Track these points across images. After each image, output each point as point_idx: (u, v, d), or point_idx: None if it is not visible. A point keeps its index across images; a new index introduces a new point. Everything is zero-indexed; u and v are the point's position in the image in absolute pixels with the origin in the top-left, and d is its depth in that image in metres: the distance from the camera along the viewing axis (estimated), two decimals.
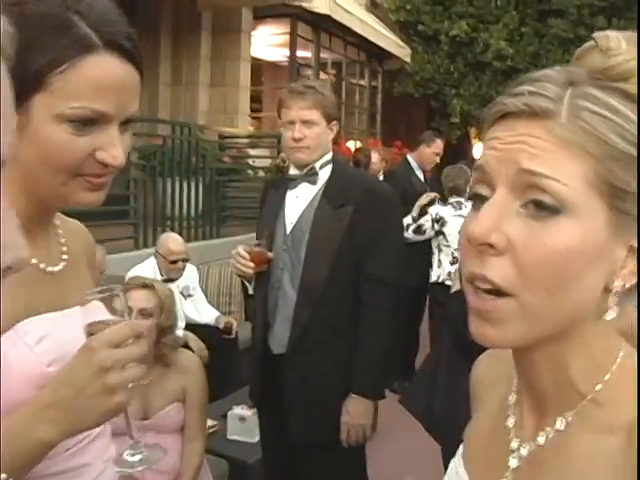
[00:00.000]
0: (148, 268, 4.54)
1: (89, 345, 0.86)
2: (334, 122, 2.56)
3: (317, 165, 2.53)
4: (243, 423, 3.26)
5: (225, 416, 3.37)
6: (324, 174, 2.55)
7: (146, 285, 2.59)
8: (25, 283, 0.94)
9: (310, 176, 2.53)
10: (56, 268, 1.02)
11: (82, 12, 0.88)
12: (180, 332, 4.47)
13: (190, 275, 4.82)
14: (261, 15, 9.91)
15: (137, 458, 0.98)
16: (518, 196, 0.64)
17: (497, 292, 0.64)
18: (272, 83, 12.03)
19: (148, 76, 7.72)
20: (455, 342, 2.71)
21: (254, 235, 2.80)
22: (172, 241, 4.60)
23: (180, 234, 6.32)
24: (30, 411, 0.86)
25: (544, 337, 0.65)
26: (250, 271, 2.54)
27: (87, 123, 0.89)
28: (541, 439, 0.70)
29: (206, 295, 5.31)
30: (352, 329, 2.45)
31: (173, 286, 4.58)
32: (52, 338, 0.92)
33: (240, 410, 3.28)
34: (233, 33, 9.20)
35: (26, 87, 0.87)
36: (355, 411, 2.43)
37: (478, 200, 0.67)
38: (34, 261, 0.97)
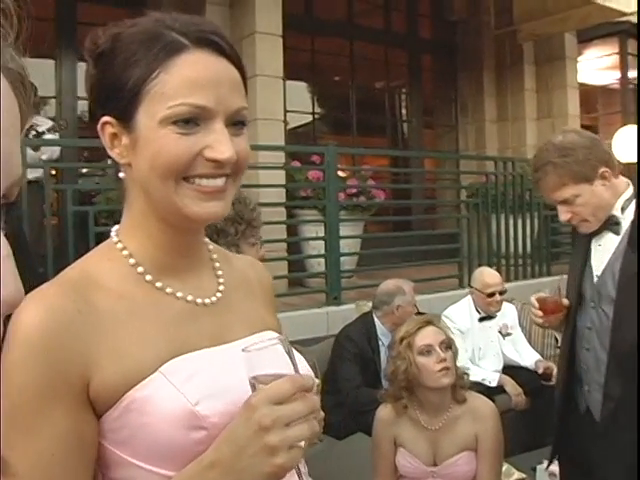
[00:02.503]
0: (464, 306, 4.49)
1: (249, 402, 0.81)
2: (600, 170, 2.13)
3: (617, 213, 2.17)
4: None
5: (535, 469, 3.11)
6: (628, 215, 2.15)
7: (431, 321, 2.58)
8: (175, 318, 0.94)
9: (612, 225, 2.18)
10: (211, 299, 0.99)
11: (168, 24, 0.89)
12: (496, 375, 4.31)
13: (509, 313, 4.63)
14: (586, 38, 9.35)
15: None
16: None
17: None
18: (605, 109, 11.16)
19: (474, 114, 7.89)
20: None
21: None
22: (487, 274, 4.50)
23: (507, 272, 6.21)
24: (193, 471, 0.83)
25: None
26: (539, 320, 2.32)
27: (190, 122, 0.87)
28: None
29: (530, 335, 5.05)
30: None
31: (491, 324, 4.46)
32: (200, 376, 0.88)
33: (551, 465, 2.98)
34: (557, 61, 8.80)
35: (129, 104, 0.88)
36: None
37: None
38: (180, 294, 0.95)
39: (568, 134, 2.23)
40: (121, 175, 0.95)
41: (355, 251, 5.88)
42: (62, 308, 0.85)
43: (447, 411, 2.49)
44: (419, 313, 4.32)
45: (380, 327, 4.11)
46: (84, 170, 6.55)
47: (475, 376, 3.95)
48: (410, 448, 2.47)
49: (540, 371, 4.39)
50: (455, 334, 3.52)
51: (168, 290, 0.95)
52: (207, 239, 1.06)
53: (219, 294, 1.01)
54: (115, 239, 0.97)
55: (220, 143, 0.87)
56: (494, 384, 4.21)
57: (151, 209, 0.93)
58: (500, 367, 4.47)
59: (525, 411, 4.20)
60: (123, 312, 0.90)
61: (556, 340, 2.48)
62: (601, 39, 9.93)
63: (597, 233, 2.23)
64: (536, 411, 4.20)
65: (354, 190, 5.88)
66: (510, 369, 4.44)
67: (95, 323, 0.87)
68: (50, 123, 5.39)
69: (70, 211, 4.26)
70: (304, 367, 0.96)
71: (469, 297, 4.54)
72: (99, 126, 0.92)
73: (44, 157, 5.12)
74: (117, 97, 0.89)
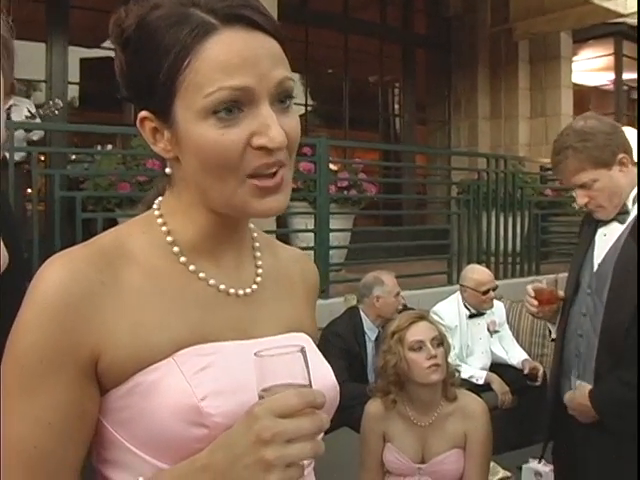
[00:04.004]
0: (452, 303, 4.47)
1: (252, 410, 0.75)
2: (619, 156, 2.17)
3: (629, 202, 2.21)
4: (538, 479, 2.96)
5: (521, 468, 3.10)
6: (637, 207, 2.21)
7: (424, 317, 2.57)
8: (202, 305, 0.88)
9: (620, 214, 2.22)
10: (245, 291, 0.93)
11: (194, 1, 0.81)
12: (484, 372, 4.30)
13: (497, 310, 4.63)
14: (581, 38, 9.37)
15: None
16: None
17: None
18: (598, 110, 11.15)
19: (467, 111, 7.91)
20: None
21: None
22: (479, 272, 4.48)
23: (496, 270, 6.19)
24: (184, 470, 0.79)
25: None
26: (533, 309, 2.34)
27: (231, 110, 0.80)
28: None
29: (518, 334, 5.06)
30: None
31: (480, 321, 4.45)
32: (214, 370, 0.83)
33: (536, 464, 2.98)
34: (552, 60, 8.80)
35: (164, 98, 0.82)
36: None
37: None
38: (212, 282, 0.90)
39: (589, 119, 2.25)
40: (167, 171, 0.90)
41: (344, 244, 5.84)
42: (86, 276, 0.81)
43: (437, 408, 2.47)
44: (406, 308, 4.31)
45: (366, 321, 4.09)
46: (73, 156, 6.49)
47: (462, 373, 3.94)
48: (398, 444, 2.45)
49: (526, 371, 4.39)
50: None
51: (201, 275, 0.90)
52: (252, 225, 1.00)
53: (255, 286, 0.95)
54: (157, 212, 0.92)
55: (268, 128, 0.80)
56: (481, 382, 4.20)
57: (202, 202, 0.88)
58: (488, 365, 4.46)
59: (511, 409, 4.19)
60: (149, 290, 0.85)
61: (549, 332, 2.48)
62: (596, 40, 9.94)
63: (605, 222, 2.26)
64: (522, 409, 4.20)
65: (345, 183, 5.84)
66: (497, 367, 4.44)
67: (117, 298, 0.83)
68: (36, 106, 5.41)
69: (57, 196, 4.21)
70: (325, 381, 0.91)
71: (458, 294, 4.52)
72: (138, 122, 0.87)
73: (35, 138, 5.10)
74: (151, 91, 0.83)
